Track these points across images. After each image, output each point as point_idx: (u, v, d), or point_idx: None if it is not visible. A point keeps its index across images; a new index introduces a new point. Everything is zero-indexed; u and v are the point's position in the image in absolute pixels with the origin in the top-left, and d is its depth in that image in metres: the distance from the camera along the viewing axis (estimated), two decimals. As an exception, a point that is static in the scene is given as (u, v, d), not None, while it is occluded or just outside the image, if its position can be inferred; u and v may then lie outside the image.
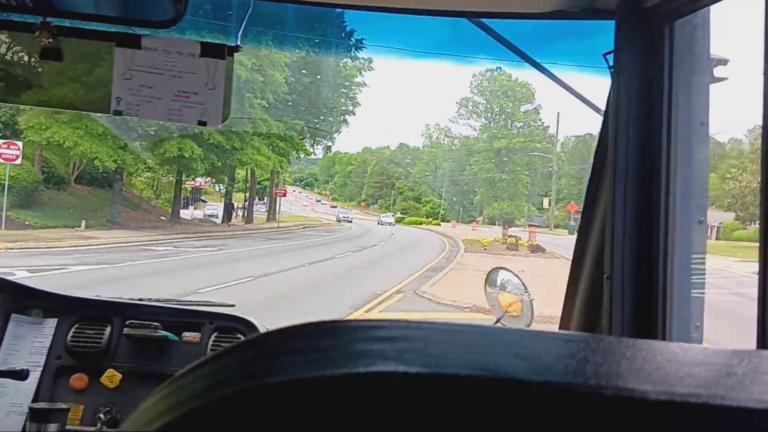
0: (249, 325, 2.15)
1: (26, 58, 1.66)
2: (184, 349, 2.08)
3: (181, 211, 33.33)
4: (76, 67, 1.60)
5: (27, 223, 22.34)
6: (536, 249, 27.82)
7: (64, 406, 1.64)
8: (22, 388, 1.97)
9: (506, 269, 2.07)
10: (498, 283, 2.03)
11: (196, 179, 38.50)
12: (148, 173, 31.63)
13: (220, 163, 28.50)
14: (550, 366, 0.34)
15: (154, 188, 37.27)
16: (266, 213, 41.82)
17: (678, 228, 1.52)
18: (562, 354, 0.36)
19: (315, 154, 41.89)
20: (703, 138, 1.55)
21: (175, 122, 1.57)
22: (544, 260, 23.86)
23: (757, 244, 1.17)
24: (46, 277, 12.45)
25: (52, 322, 2.10)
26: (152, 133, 23.45)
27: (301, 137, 32.65)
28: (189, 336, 2.11)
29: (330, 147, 46.11)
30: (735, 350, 0.39)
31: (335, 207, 74.52)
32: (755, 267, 1.19)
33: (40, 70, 1.63)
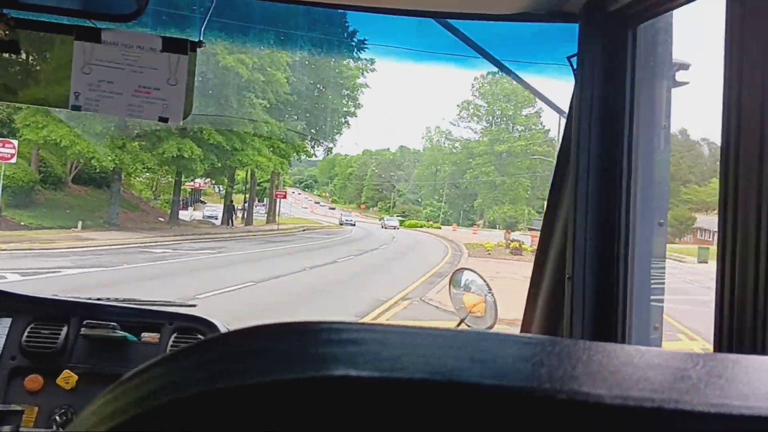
0: (210, 326, 2.13)
1: None
2: (143, 349, 2.06)
3: (180, 212, 33.26)
4: (38, 62, 1.60)
5: (22, 223, 22.17)
6: (541, 253, 27.64)
7: (18, 408, 1.59)
8: None
9: (470, 270, 2.07)
10: (462, 284, 2.03)
11: (196, 180, 38.45)
12: (147, 174, 31.54)
13: (220, 164, 28.36)
14: (505, 369, 0.34)
15: (153, 189, 37.23)
16: (266, 215, 41.74)
17: (639, 230, 1.53)
18: (517, 357, 0.36)
19: (316, 155, 41.86)
20: (665, 141, 1.56)
21: (135, 118, 1.56)
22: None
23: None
24: (39, 280, 12.23)
25: (6, 322, 2.06)
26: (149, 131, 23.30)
27: (301, 138, 32.59)
28: (148, 336, 2.09)
29: (331, 148, 46.09)
30: (690, 353, 0.39)
31: (333, 209, 74.48)
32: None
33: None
